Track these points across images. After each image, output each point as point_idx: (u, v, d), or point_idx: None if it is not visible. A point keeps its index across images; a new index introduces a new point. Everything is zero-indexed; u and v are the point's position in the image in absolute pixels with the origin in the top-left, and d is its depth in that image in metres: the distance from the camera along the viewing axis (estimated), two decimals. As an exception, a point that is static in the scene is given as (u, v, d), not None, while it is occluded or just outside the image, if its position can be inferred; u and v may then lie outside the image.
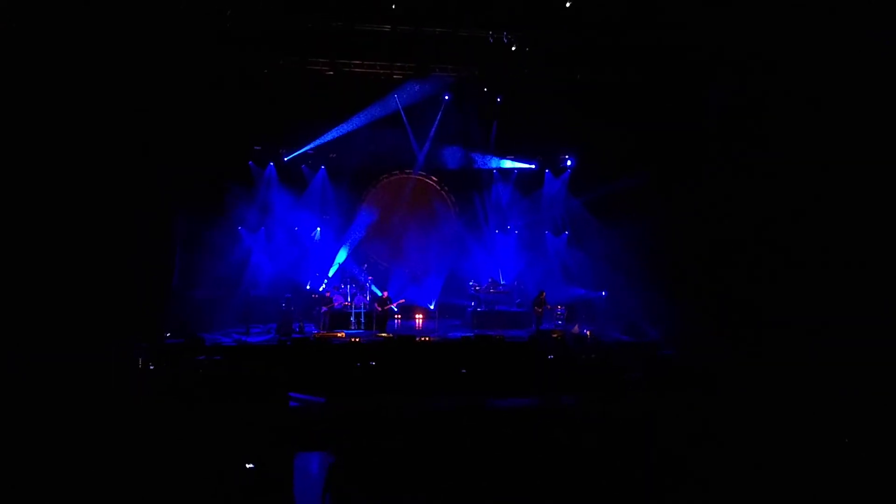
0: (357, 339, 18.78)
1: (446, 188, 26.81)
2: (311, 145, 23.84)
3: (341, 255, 25.06)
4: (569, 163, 25.66)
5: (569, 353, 17.66)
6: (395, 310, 24.40)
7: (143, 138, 17.10)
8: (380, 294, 22.67)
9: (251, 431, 11.23)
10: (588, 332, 21.33)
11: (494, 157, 25.54)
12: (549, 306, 22.58)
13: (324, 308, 21.88)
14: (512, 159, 25.86)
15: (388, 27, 19.70)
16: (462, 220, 26.06)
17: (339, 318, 22.34)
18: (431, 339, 19.20)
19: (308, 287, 24.63)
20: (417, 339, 18.89)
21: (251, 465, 10.09)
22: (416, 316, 25.46)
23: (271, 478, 10.14)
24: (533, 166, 26.07)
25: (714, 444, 10.89)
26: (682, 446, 10.89)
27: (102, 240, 15.57)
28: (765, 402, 12.66)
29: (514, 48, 20.23)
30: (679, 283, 20.37)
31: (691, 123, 20.31)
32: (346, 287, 23.85)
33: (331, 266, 24.82)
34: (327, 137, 23.46)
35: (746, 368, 14.55)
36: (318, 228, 25.30)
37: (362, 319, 22.46)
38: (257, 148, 23.94)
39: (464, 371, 15.76)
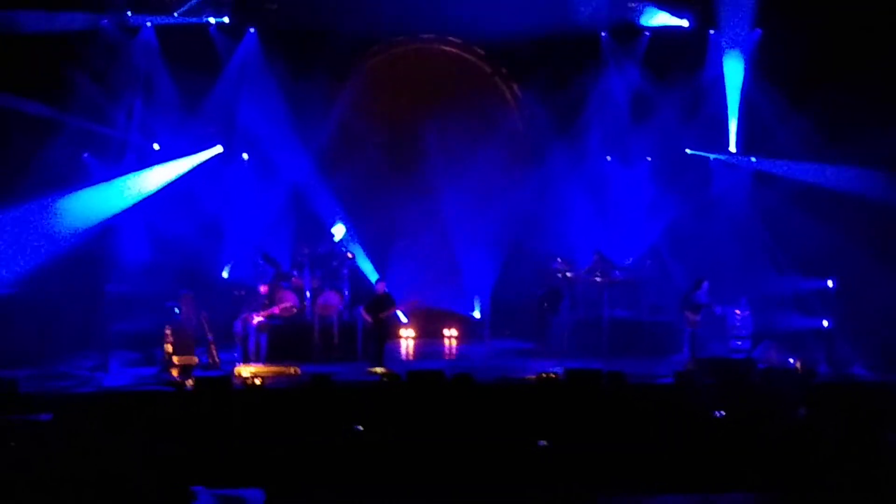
0: (326, 381, 18.77)
1: (505, 70, 26.72)
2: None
3: (293, 208, 25.32)
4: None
5: (759, 405, 17.48)
6: (403, 319, 24.47)
7: None
8: (374, 288, 22.62)
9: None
10: (797, 363, 21.08)
11: (603, 4, 25.56)
12: (713, 309, 22.46)
13: (257, 317, 21.96)
14: (641, 6, 25.93)
15: None
16: (537, 136, 26.16)
17: (290, 338, 22.52)
18: (476, 378, 19.09)
19: (226, 274, 24.62)
20: (449, 378, 18.70)
21: None
22: (446, 331, 25.57)
23: None
24: (684, 23, 26.08)
25: None
26: None
27: None
28: None
29: None
30: None
31: None
32: (302, 273, 23.84)
33: (271, 230, 25.05)
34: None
35: None
36: (245, 154, 25.52)
37: (335, 339, 22.69)
38: (119, -5, 24.04)
39: (543, 444, 15.72)
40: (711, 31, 25.87)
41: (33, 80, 22.61)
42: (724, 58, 25.85)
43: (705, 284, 22.14)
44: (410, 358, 23.81)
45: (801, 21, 23.82)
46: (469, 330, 25.56)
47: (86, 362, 21.31)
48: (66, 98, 23.32)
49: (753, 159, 25.63)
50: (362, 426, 16.23)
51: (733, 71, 25.73)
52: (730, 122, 25.86)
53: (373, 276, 24.31)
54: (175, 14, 24.48)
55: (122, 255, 23.71)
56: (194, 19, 24.83)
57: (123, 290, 22.82)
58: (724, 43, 25.85)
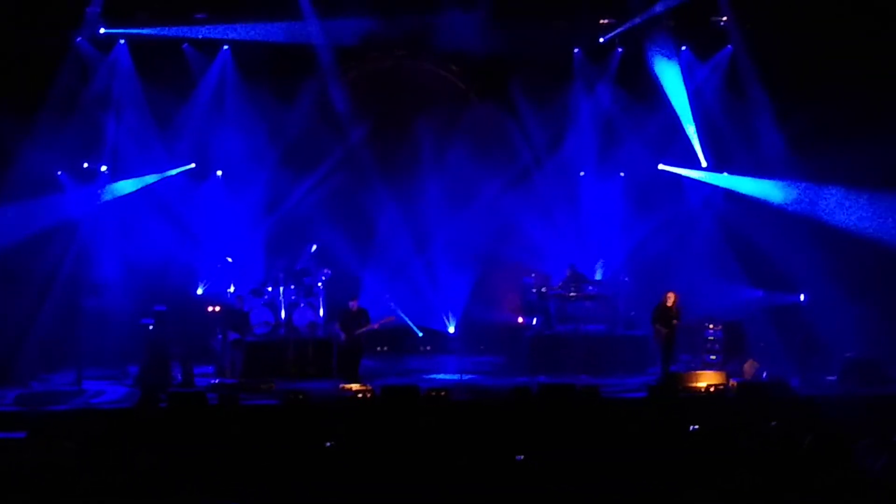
0: (301, 397, 18.82)
1: (478, 87, 26.69)
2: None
3: (266, 227, 25.29)
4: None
5: (731, 419, 17.45)
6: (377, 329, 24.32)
7: None
8: (348, 306, 22.57)
9: None
10: (769, 377, 21.22)
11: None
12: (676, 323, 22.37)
13: (232, 334, 21.93)
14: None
15: None
16: (509, 151, 26.06)
17: (265, 355, 22.45)
18: (450, 393, 19.14)
19: (201, 291, 24.59)
20: (423, 393, 18.82)
21: None
22: (421, 347, 25.46)
23: None
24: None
25: None
26: None
27: None
28: None
29: None
30: None
31: None
32: (276, 290, 23.78)
33: (245, 248, 25.05)
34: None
35: None
36: (220, 171, 25.53)
37: (310, 356, 22.60)
38: (94, 10, 23.79)
39: (520, 458, 15.58)
40: (683, 48, 25.94)
41: (7, 94, 22.54)
42: (695, 68, 26.02)
43: (672, 297, 22.12)
44: (385, 374, 23.76)
45: (771, 36, 24.03)
46: (443, 345, 25.37)
47: (60, 379, 21.24)
48: (40, 114, 23.27)
49: (725, 174, 25.65)
50: (337, 441, 16.18)
51: (704, 81, 25.96)
52: (692, 137, 25.91)
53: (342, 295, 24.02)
54: (143, 32, 24.32)
55: (97, 272, 23.63)
56: (166, 37, 24.73)
57: (99, 305, 22.78)
58: (696, 56, 26.02)
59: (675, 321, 21.79)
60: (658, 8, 25.19)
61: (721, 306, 24.12)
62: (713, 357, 23.16)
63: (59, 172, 23.76)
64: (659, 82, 25.78)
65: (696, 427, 16.81)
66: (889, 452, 15.12)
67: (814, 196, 23.75)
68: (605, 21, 25.91)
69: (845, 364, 21.31)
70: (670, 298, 21.85)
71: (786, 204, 24.27)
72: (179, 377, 21.20)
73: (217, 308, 22.97)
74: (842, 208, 23.22)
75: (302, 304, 23.62)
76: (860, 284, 22.19)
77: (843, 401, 19.29)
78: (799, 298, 23.42)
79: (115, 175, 24.41)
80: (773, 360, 22.56)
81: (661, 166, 26.14)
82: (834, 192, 23.33)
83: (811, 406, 18.67)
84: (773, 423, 16.84)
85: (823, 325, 22.44)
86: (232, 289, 24.05)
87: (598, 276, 25.70)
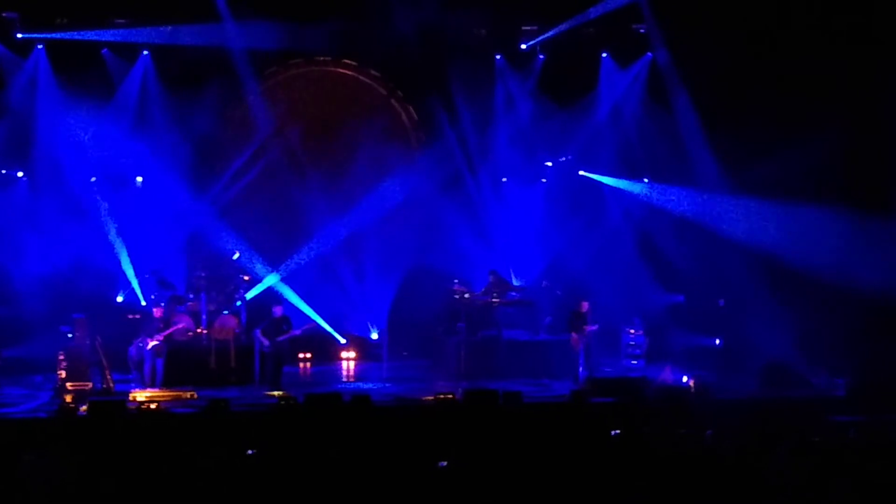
0: (222, 404, 18.42)
1: (401, 92, 26.76)
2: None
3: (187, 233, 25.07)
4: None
5: (651, 425, 17.36)
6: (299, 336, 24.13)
7: None
8: (271, 311, 22.56)
9: None
10: (690, 382, 21.33)
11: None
12: (587, 328, 22.46)
13: (151, 340, 21.70)
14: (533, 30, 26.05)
15: None
16: (434, 157, 26.09)
17: (186, 361, 22.26)
18: (373, 400, 18.99)
19: (121, 299, 24.39)
20: (346, 400, 18.69)
21: None
22: (343, 354, 25.44)
23: None
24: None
25: None
26: None
27: None
28: None
29: None
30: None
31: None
32: (198, 297, 23.67)
33: (166, 255, 24.87)
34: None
35: None
36: (140, 178, 25.34)
37: (231, 363, 22.50)
38: (10, 16, 23.66)
39: (443, 465, 15.54)
40: (604, 55, 26.15)
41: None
42: (616, 75, 26.30)
43: (585, 304, 22.26)
44: (308, 381, 23.68)
45: (691, 43, 24.28)
46: (366, 352, 25.47)
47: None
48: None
49: (645, 182, 25.89)
50: (259, 449, 16.11)
51: (627, 89, 26.24)
52: (611, 144, 26.20)
53: (264, 303, 23.96)
54: (65, 36, 24.13)
55: (12, 279, 23.45)
56: (88, 42, 24.52)
57: (13, 312, 22.56)
58: (617, 63, 26.30)
59: (585, 328, 22.08)
60: (581, 17, 25.33)
61: (642, 311, 24.35)
62: (635, 362, 23.38)
63: None
64: (578, 90, 26.06)
65: (618, 431, 16.95)
66: (807, 457, 15.37)
67: (725, 206, 23.94)
68: (527, 28, 26.06)
69: (764, 368, 21.47)
70: (584, 306, 22.06)
71: (699, 212, 24.50)
72: (99, 385, 20.98)
73: (137, 315, 22.73)
74: (754, 219, 23.44)
75: (224, 312, 23.47)
76: (779, 289, 22.42)
77: (762, 405, 19.55)
78: (719, 303, 23.66)
79: (37, 187, 24.15)
80: (694, 364, 22.80)
81: (581, 173, 26.35)
82: (747, 203, 23.51)
83: (730, 410, 18.83)
84: (709, 433, 16.98)
85: (743, 329, 22.78)
86: (153, 296, 23.84)
87: (516, 282, 25.82)
